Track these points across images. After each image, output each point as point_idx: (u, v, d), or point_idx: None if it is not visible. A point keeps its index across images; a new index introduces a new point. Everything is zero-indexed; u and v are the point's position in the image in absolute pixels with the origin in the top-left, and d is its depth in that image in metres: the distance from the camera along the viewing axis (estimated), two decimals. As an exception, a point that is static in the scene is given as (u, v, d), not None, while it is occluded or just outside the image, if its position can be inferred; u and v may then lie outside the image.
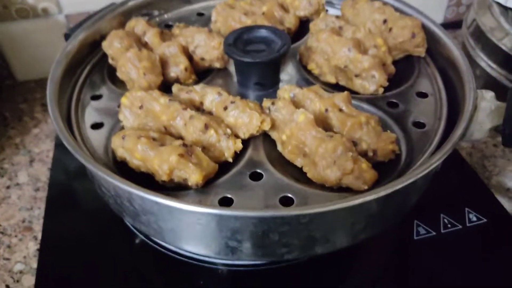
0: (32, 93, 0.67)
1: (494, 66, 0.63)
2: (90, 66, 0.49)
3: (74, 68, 0.47)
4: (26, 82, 0.69)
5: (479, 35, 0.65)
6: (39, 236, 0.47)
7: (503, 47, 0.61)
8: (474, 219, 0.46)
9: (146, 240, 0.44)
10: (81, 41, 0.48)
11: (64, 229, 0.46)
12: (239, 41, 0.45)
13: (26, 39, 0.65)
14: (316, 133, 0.37)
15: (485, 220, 0.46)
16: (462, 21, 0.70)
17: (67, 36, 0.51)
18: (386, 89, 0.45)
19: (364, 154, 0.38)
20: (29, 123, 0.62)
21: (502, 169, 0.57)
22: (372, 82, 0.45)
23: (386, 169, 0.38)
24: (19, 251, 0.47)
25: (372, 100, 0.44)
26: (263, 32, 0.45)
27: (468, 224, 0.46)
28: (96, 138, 0.41)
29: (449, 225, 0.46)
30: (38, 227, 0.49)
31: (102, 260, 0.43)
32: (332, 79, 0.48)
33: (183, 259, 0.43)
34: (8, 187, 0.54)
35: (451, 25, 0.84)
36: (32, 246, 0.47)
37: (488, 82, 0.65)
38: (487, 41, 0.63)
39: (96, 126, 0.42)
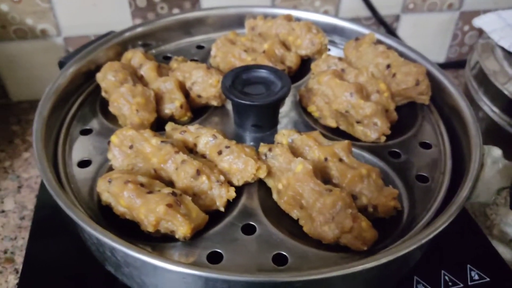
0: (26, 114, 0.66)
1: (496, 110, 0.62)
2: (82, 97, 0.47)
3: (66, 99, 0.45)
4: (20, 103, 0.67)
5: (482, 78, 0.64)
6: (21, 268, 0.44)
7: (506, 92, 0.59)
8: (477, 277, 0.44)
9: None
10: (74, 72, 0.46)
11: (45, 263, 0.43)
12: (237, 80, 0.43)
13: (23, 60, 0.64)
14: (314, 185, 0.35)
15: (488, 279, 0.44)
16: (464, 60, 0.69)
17: (61, 64, 0.49)
18: (388, 138, 0.44)
19: (363, 209, 0.36)
20: (20, 146, 0.60)
21: (504, 218, 0.55)
22: (374, 130, 0.43)
23: (386, 226, 0.36)
24: (-3, 284, 0.44)
25: (373, 148, 0.43)
26: (263, 73, 0.44)
27: (470, 283, 0.44)
28: (82, 177, 0.39)
29: (450, 283, 0.43)
30: (20, 259, 0.46)
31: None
32: (332, 123, 0.46)
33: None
34: (-7, 214, 0.51)
35: (453, 65, 0.83)
36: (12, 280, 0.45)
37: (490, 127, 0.64)
38: (490, 85, 0.62)
39: (83, 163, 0.40)
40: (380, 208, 0.36)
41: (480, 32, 0.80)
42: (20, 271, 0.45)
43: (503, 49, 0.63)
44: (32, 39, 0.62)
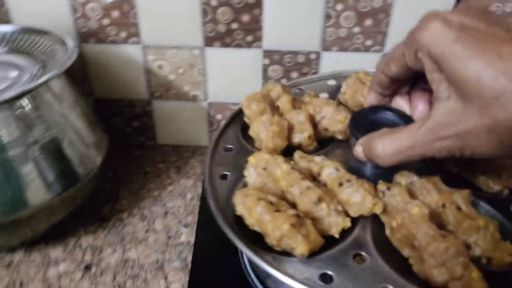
0: (169, 156, 0.78)
1: None
2: (227, 120, 0.56)
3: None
4: (163, 146, 0.81)
5: None
6: (168, 276, 0.56)
7: None
8: None
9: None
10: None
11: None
12: (364, 120, 0.47)
13: (174, 115, 0.77)
14: (429, 229, 0.37)
15: None
16: None
17: None
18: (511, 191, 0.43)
19: (476, 260, 0.37)
20: (165, 181, 0.73)
21: None
22: (498, 182, 0.43)
23: (497, 279, 0.36)
24: (152, 285, 0.55)
25: (494, 200, 0.43)
26: (389, 115, 0.47)
27: None
28: (222, 189, 0.47)
29: None
30: (167, 269, 0.57)
31: None
32: (454, 169, 0.47)
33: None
34: (147, 231, 0.63)
35: None
36: (163, 284, 0.55)
37: None
38: None
39: (224, 176, 0.48)
40: (494, 262, 0.36)
41: None
42: (167, 278, 0.55)
43: None
44: (184, 100, 0.75)
